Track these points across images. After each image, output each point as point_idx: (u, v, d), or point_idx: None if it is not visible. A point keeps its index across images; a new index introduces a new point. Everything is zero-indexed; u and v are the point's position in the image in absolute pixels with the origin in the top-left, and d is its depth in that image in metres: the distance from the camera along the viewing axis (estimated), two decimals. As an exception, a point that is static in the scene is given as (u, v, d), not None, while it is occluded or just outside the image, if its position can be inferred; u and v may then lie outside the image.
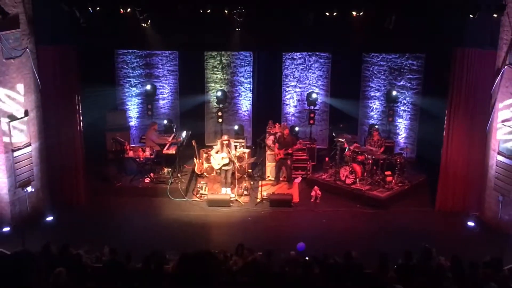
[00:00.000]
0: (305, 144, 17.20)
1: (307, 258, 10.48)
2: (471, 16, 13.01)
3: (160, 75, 18.84)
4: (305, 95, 18.60)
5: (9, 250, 10.98)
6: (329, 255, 9.94)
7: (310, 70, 18.65)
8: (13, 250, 9.54)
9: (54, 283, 8.70)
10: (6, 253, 10.90)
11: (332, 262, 9.55)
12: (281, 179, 16.54)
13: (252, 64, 18.70)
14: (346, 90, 18.18)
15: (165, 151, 16.30)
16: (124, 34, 16.01)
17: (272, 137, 16.56)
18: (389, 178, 15.73)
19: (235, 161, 15.74)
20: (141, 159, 16.14)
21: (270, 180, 16.63)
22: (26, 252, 4.97)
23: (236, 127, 18.45)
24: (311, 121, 18.41)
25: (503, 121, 13.50)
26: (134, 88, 18.77)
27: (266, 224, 14.49)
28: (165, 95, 19.02)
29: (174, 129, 17.91)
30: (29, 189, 14.01)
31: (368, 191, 15.47)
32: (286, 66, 18.71)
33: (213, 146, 16.40)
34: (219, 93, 18.47)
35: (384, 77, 18.03)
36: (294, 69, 18.71)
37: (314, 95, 18.22)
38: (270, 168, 16.75)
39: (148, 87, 18.43)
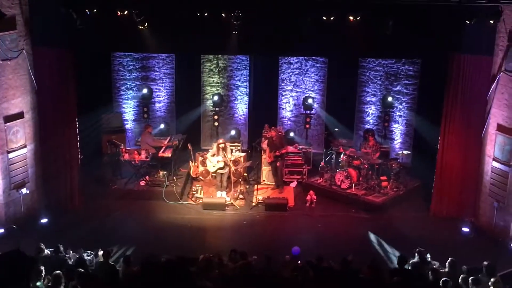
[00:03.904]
0: (300, 148, 17.21)
1: (299, 262, 10.48)
2: (467, 22, 13.03)
3: (156, 78, 18.81)
4: (301, 99, 18.60)
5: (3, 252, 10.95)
6: (323, 258, 9.93)
7: (306, 75, 18.65)
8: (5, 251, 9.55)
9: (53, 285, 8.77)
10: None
11: (326, 265, 9.55)
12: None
13: (248, 68, 18.69)
14: (342, 95, 18.19)
15: (160, 154, 16.28)
16: (120, 37, 15.93)
17: (267, 141, 16.57)
18: (384, 183, 15.75)
19: (231, 164, 15.73)
20: (137, 162, 16.12)
21: (266, 184, 16.63)
22: (19, 252, 4.98)
23: (233, 132, 18.42)
24: (307, 126, 18.43)
25: (498, 127, 13.53)
26: (130, 91, 18.75)
27: (261, 228, 14.48)
28: (161, 98, 18.99)
29: (170, 132, 17.89)
30: (24, 191, 13.99)
31: (363, 196, 15.48)
32: (282, 70, 18.70)
33: (209, 150, 16.39)
34: (216, 97, 18.46)
35: (380, 82, 18.05)
36: (290, 74, 18.71)
37: (310, 100, 18.23)
38: (265, 172, 16.75)
39: (145, 90, 18.40)
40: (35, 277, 9.15)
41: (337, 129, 17.44)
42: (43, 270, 9.49)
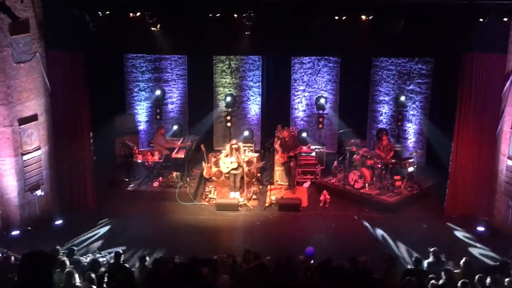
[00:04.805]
0: (313, 148, 17.18)
1: (311, 262, 10.47)
2: (480, 20, 12.96)
3: (169, 79, 18.85)
4: (314, 99, 18.58)
5: (19, 253, 11.02)
6: (332, 259, 9.89)
7: (319, 75, 18.62)
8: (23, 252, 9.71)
9: (66, 282, 8.92)
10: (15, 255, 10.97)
11: (335, 265, 9.51)
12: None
13: (261, 68, 18.69)
14: (355, 94, 18.14)
15: (174, 155, 16.32)
16: (133, 39, 16.04)
17: (280, 142, 16.55)
18: (398, 183, 15.69)
19: (244, 165, 15.73)
20: (150, 163, 16.17)
21: (280, 184, 16.61)
22: (42, 252, 5.12)
23: (246, 133, 18.43)
24: (320, 125, 18.40)
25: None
26: (143, 92, 18.80)
27: (275, 228, 14.47)
28: (174, 99, 19.03)
29: (183, 134, 17.94)
30: (39, 192, 14.06)
31: (377, 196, 15.43)
32: (295, 71, 18.68)
33: (222, 150, 16.41)
34: (228, 98, 18.47)
35: (393, 82, 17.97)
36: (303, 73, 18.69)
37: (322, 100, 18.21)
38: (278, 172, 16.73)
39: (158, 91, 18.44)
40: (60, 268, 9.61)
41: (350, 129, 17.39)
42: (67, 262, 9.73)
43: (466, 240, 13.70)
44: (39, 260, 4.92)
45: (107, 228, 14.15)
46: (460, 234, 13.98)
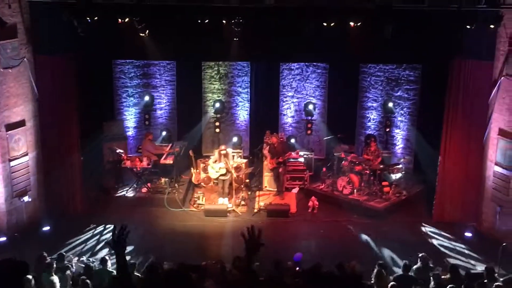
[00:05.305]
0: (302, 154, 17.20)
1: (297, 268, 10.46)
2: (468, 27, 13.05)
3: (157, 85, 18.80)
4: (303, 105, 18.60)
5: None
6: (321, 265, 9.90)
7: (307, 81, 18.64)
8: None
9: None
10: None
11: (323, 271, 9.51)
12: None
13: (249, 74, 18.68)
14: (343, 100, 18.16)
15: (162, 161, 16.29)
16: (122, 44, 16.00)
17: (269, 148, 16.56)
18: (386, 189, 15.74)
19: (233, 171, 15.72)
20: (138, 169, 16.13)
21: (268, 190, 16.61)
22: (12, 260, 5.05)
23: (235, 139, 18.41)
24: (309, 131, 18.42)
25: (500, 131, 13.53)
26: (132, 98, 18.74)
27: (263, 234, 14.37)
28: (163, 105, 18.98)
29: (171, 139, 17.91)
30: (26, 198, 13.98)
31: (365, 202, 15.46)
32: (283, 77, 18.69)
33: (211, 156, 16.39)
34: (217, 104, 18.45)
35: (381, 88, 18.02)
36: (291, 80, 18.71)
37: (311, 106, 18.23)
38: (267, 178, 16.73)
39: (146, 97, 18.39)
40: (47, 269, 9.76)
41: (338, 135, 17.41)
42: (54, 264, 9.76)
43: (454, 245, 13.75)
44: (9, 268, 4.85)
45: (95, 234, 14.09)
46: (447, 239, 14.02)
